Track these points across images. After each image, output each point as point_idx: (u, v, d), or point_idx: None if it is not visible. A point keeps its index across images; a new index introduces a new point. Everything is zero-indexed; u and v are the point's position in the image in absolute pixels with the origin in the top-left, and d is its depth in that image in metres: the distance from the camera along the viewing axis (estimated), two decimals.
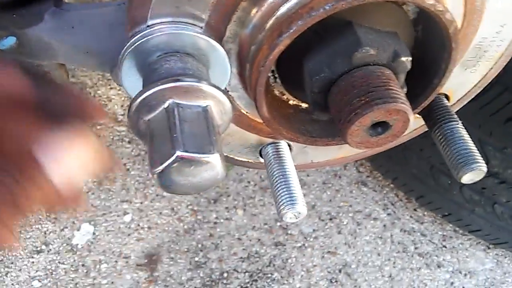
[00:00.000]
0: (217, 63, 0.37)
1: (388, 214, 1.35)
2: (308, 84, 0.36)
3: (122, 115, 1.51)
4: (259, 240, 1.31)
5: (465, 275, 1.27)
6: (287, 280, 1.25)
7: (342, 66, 0.35)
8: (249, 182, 1.40)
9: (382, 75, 0.34)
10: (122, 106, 1.53)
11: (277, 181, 0.47)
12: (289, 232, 1.32)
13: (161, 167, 0.30)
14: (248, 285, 1.25)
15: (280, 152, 0.49)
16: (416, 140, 1.16)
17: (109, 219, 1.32)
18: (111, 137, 1.45)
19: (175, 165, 0.30)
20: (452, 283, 1.25)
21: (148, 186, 1.38)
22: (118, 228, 1.31)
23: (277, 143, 0.50)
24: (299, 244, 1.30)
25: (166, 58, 0.35)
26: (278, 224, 1.34)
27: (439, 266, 1.28)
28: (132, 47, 0.34)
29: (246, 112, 0.43)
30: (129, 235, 1.30)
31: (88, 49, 0.52)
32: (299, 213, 0.46)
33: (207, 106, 0.33)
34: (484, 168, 0.43)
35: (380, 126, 0.35)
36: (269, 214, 1.35)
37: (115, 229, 1.31)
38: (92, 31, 0.50)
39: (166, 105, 0.32)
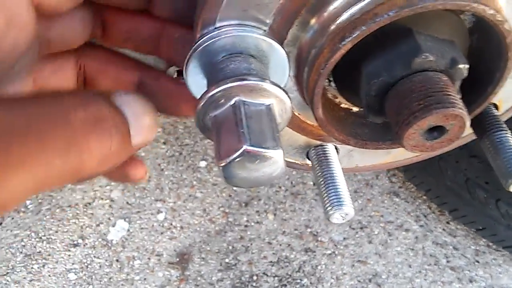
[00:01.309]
0: (277, 65, 0.39)
1: (421, 226, 1.34)
2: (365, 87, 0.38)
3: (158, 116, 1.55)
4: (289, 245, 1.32)
5: None
6: (316, 287, 1.25)
7: (401, 71, 0.36)
8: (280, 187, 1.42)
9: (440, 81, 0.35)
10: None
11: (324, 182, 0.48)
12: (319, 239, 1.33)
13: (227, 160, 0.32)
14: None
15: (327, 154, 0.50)
16: (453, 152, 1.16)
17: (143, 216, 1.35)
18: None
19: (241, 158, 0.32)
20: None
21: (182, 187, 1.41)
22: (152, 226, 1.34)
23: (324, 145, 0.51)
24: (329, 252, 1.31)
25: (232, 58, 0.37)
26: (309, 230, 1.35)
27: (471, 281, 1.26)
28: (200, 47, 0.36)
29: (298, 114, 0.45)
30: (162, 233, 1.33)
31: None
32: (347, 214, 0.47)
33: (270, 104, 0.35)
34: None
35: (436, 131, 0.36)
36: (299, 220, 1.36)
37: (149, 226, 1.34)
38: None
39: (232, 102, 0.34)
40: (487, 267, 1.28)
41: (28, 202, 1.38)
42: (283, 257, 1.30)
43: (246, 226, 1.35)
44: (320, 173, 0.50)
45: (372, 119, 0.40)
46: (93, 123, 0.26)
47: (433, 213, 1.36)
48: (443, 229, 1.34)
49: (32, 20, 0.31)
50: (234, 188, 1.40)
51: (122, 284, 1.26)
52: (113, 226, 1.34)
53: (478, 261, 1.29)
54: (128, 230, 1.33)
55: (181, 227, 1.34)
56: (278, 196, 1.40)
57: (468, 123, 0.35)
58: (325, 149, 0.51)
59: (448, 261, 1.29)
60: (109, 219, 1.35)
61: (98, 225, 1.34)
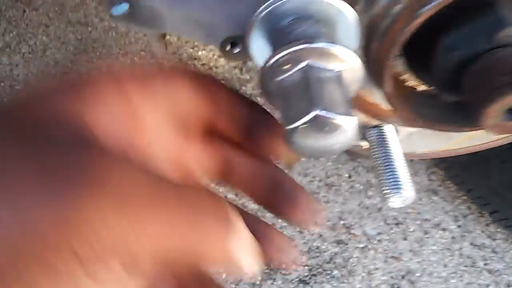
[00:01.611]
0: (347, 32, 0.37)
1: (458, 226, 1.30)
2: (442, 61, 0.36)
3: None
4: (320, 235, 1.30)
5: None
6: (347, 279, 1.23)
7: (483, 45, 0.34)
8: (314, 177, 1.39)
9: None
10: None
11: (383, 163, 0.46)
12: (352, 231, 1.30)
13: (296, 124, 0.30)
14: (307, 278, 1.24)
15: (386, 135, 0.48)
16: (499, 152, 1.12)
17: None
18: None
19: (310, 123, 0.30)
20: None
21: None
22: None
23: (382, 126, 0.49)
24: (362, 245, 1.28)
25: (299, 22, 0.35)
26: (342, 222, 1.32)
27: (509, 285, 1.21)
28: (267, 10, 0.34)
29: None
30: None
31: (198, 19, 0.53)
32: (406, 198, 0.45)
33: (341, 70, 0.33)
34: None
35: None
36: (332, 211, 1.34)
37: None
38: (204, 2, 0.52)
39: (302, 65, 0.32)
40: None
41: None
42: (314, 247, 1.28)
43: None
44: (378, 154, 0.47)
45: (445, 97, 0.38)
46: (222, 217, 0.28)
47: (472, 214, 1.32)
48: (482, 231, 1.29)
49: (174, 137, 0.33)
50: None
51: None
52: None
53: None
54: None
55: None
56: (311, 186, 1.38)
57: None
58: (383, 130, 0.49)
59: (485, 264, 1.24)
60: None
61: None
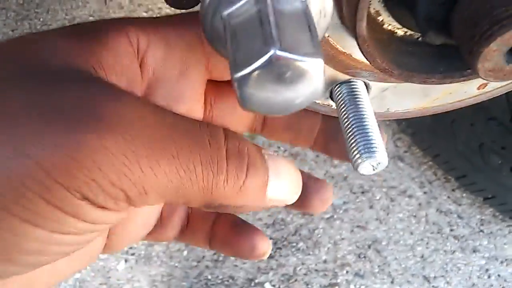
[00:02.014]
0: None
1: (424, 193, 1.27)
2: None
3: None
4: (285, 207, 1.25)
5: (502, 262, 1.19)
6: (312, 251, 1.19)
7: None
8: (279, 147, 1.33)
9: None
10: None
11: (352, 125, 0.39)
12: None
13: (248, 69, 0.22)
14: (272, 252, 1.19)
15: (356, 92, 0.41)
16: (468, 114, 1.08)
17: None
18: None
19: (266, 67, 0.22)
20: (487, 270, 1.18)
21: None
22: None
23: (353, 81, 0.42)
24: (327, 216, 1.23)
25: None
26: None
27: (474, 251, 1.20)
28: None
29: (327, 36, 0.35)
30: None
31: None
32: (379, 163, 0.38)
33: (306, 0, 0.25)
34: None
35: None
36: None
37: None
38: None
39: None
40: (491, 237, 1.22)
41: None
42: (279, 220, 1.23)
43: None
44: (346, 114, 0.40)
45: (430, 38, 0.31)
46: (233, 153, 0.27)
47: (438, 180, 1.29)
48: (448, 197, 1.27)
49: (202, 80, 0.35)
50: None
51: None
52: None
53: (482, 231, 1.23)
54: None
55: None
56: None
57: None
58: (353, 86, 0.42)
59: (451, 230, 1.23)
60: None
61: None
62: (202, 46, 0.33)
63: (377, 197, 1.26)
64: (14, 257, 0.25)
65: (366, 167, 0.39)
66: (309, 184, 0.40)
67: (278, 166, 0.30)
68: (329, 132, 0.42)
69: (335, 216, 1.23)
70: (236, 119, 0.39)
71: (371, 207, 1.25)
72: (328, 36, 0.37)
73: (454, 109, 0.51)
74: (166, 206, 0.38)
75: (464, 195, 1.27)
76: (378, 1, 0.34)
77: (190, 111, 0.35)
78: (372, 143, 0.39)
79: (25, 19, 1.51)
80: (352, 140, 0.39)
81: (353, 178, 1.28)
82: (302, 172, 0.34)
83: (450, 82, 0.37)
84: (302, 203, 0.39)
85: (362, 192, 1.27)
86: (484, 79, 0.28)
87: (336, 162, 1.30)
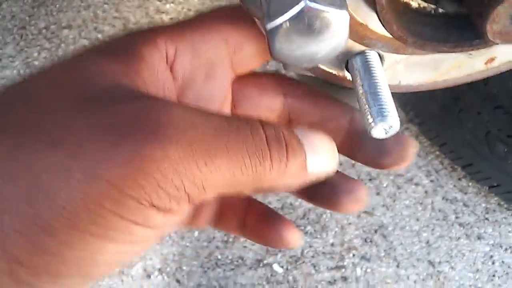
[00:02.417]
0: None
1: (431, 181, 1.30)
2: None
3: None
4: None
5: (506, 249, 1.22)
6: (320, 235, 1.22)
7: None
8: None
9: None
10: None
11: (366, 91, 0.42)
12: None
13: (280, 20, 0.25)
14: None
15: (371, 62, 0.44)
16: (476, 103, 1.10)
17: None
18: None
19: (297, 18, 0.25)
20: (491, 256, 1.21)
21: None
22: None
23: (367, 52, 0.45)
24: None
25: None
26: None
27: (479, 238, 1.23)
28: None
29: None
30: None
31: None
32: (391, 127, 0.41)
33: None
34: None
35: None
36: None
37: None
38: None
39: None
40: (496, 225, 1.24)
41: None
42: (287, 204, 1.26)
43: None
44: (361, 83, 0.43)
45: (443, 5, 0.34)
46: (272, 140, 0.29)
47: (445, 169, 1.32)
48: (454, 185, 1.30)
49: (228, 78, 0.37)
50: None
51: None
52: None
53: (487, 219, 1.25)
54: None
55: None
56: None
57: None
58: (368, 57, 0.45)
59: (457, 217, 1.25)
60: None
61: None
62: (226, 45, 0.35)
63: (384, 185, 1.29)
64: (89, 270, 0.27)
65: (378, 130, 0.42)
66: (341, 183, 0.41)
67: (313, 141, 0.32)
68: (355, 135, 0.43)
69: None
70: (261, 114, 0.41)
71: (378, 193, 1.27)
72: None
73: (453, 87, 0.53)
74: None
75: (470, 184, 1.30)
76: None
77: (220, 110, 0.38)
78: (384, 108, 0.42)
79: (41, 5, 1.54)
80: (366, 106, 0.42)
81: (360, 165, 1.31)
82: (336, 172, 0.36)
83: (461, 51, 0.39)
84: (333, 203, 0.40)
85: (370, 179, 1.29)
86: (492, 41, 0.31)
87: None
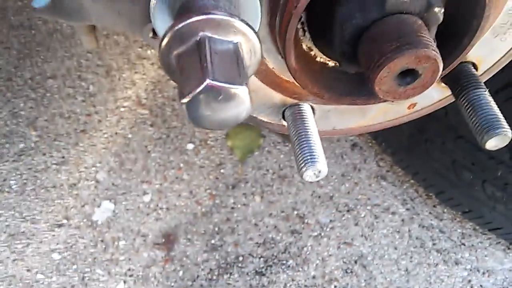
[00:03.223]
0: (249, 8, 0.38)
1: (407, 209, 1.34)
2: (338, 32, 0.37)
3: (146, 98, 1.53)
4: (275, 227, 1.31)
5: (483, 273, 1.25)
6: (302, 268, 1.25)
7: (375, 13, 0.35)
8: (267, 170, 1.41)
9: (415, 23, 0.35)
10: (145, 90, 1.55)
11: (299, 140, 0.47)
12: (305, 221, 1.32)
13: (190, 95, 0.31)
14: (263, 270, 1.25)
15: (303, 114, 0.50)
16: (439, 133, 1.16)
17: (129, 198, 1.34)
18: (134, 119, 1.48)
19: (203, 94, 0.30)
20: (469, 281, 1.24)
21: (168, 169, 1.40)
22: (138, 207, 1.33)
23: (300, 105, 0.51)
24: (315, 233, 1.30)
25: None
26: (295, 212, 1.34)
27: (456, 263, 1.26)
28: None
29: (272, 68, 0.44)
30: (147, 214, 1.32)
31: (119, 9, 0.53)
32: (319, 172, 0.46)
33: (237, 42, 0.34)
34: (509, 133, 0.43)
35: (409, 76, 0.36)
36: (286, 202, 1.35)
37: (135, 208, 1.32)
38: None
39: (197, 37, 0.33)
40: (472, 249, 1.28)
41: (12, 182, 1.36)
42: (269, 239, 1.29)
43: (232, 208, 1.34)
44: (294, 132, 0.49)
45: (346, 68, 0.39)
46: None
47: (420, 197, 1.36)
48: (430, 212, 1.33)
49: None
50: (221, 170, 1.40)
51: (106, 264, 1.24)
52: (98, 207, 1.32)
53: (464, 244, 1.28)
54: (114, 211, 1.32)
55: (167, 209, 1.33)
56: (265, 179, 1.39)
57: (441, 66, 0.34)
58: (300, 108, 0.50)
59: (434, 244, 1.29)
60: (94, 200, 1.33)
61: (83, 206, 1.32)
62: None
63: (362, 215, 1.33)
64: None
65: (309, 174, 0.47)
66: None
67: None
68: None
69: (322, 234, 1.30)
70: None
71: (356, 224, 1.31)
72: (273, 68, 0.46)
73: (417, 119, 0.58)
74: None
75: (445, 210, 1.33)
76: (309, 39, 0.43)
77: None
78: (314, 154, 0.47)
79: (27, 57, 1.61)
80: (299, 153, 0.47)
81: (338, 197, 1.35)
82: None
83: (374, 103, 0.45)
84: None
85: (348, 211, 1.33)
86: (384, 99, 0.36)
87: (322, 182, 1.37)
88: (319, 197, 1.35)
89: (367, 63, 0.35)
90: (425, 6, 0.35)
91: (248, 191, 1.37)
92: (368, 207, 1.34)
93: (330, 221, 1.32)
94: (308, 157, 0.47)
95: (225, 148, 1.43)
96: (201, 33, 0.33)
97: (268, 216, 1.33)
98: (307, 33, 0.43)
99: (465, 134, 1.09)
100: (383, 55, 0.34)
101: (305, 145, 0.47)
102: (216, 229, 1.31)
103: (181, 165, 1.41)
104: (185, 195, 1.36)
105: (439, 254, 1.27)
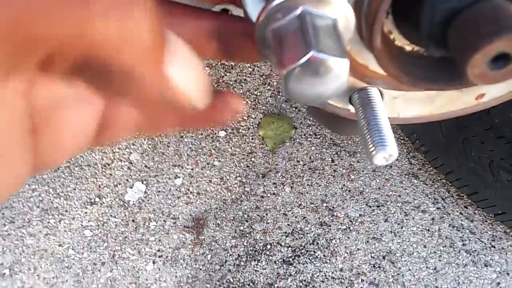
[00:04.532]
0: None
1: (438, 208, 1.33)
2: (429, 14, 0.37)
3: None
4: (304, 218, 1.32)
5: None
6: (329, 260, 1.25)
7: None
8: (298, 161, 1.41)
9: (509, 8, 0.35)
10: None
11: (368, 123, 0.47)
12: (335, 214, 1.32)
13: (293, 65, 0.31)
14: (291, 259, 1.26)
15: (372, 97, 0.50)
16: (478, 133, 1.15)
17: (161, 180, 1.35)
18: None
19: (306, 65, 0.31)
20: (498, 283, 1.23)
21: (200, 154, 1.41)
22: (169, 190, 1.34)
23: (369, 88, 0.51)
24: (344, 227, 1.30)
25: None
26: (325, 205, 1.34)
27: (486, 265, 1.25)
28: None
29: (348, 49, 0.44)
30: (178, 197, 1.33)
31: None
32: (390, 155, 0.46)
33: (336, 18, 0.34)
34: None
35: (501, 61, 0.35)
36: (316, 194, 1.36)
37: (166, 190, 1.34)
38: None
39: (298, 12, 0.33)
40: (503, 252, 1.27)
41: None
42: (297, 229, 1.30)
43: (262, 196, 1.35)
44: (363, 115, 0.49)
45: (432, 51, 0.40)
46: None
47: (451, 197, 1.35)
48: (461, 213, 1.33)
49: None
50: (252, 159, 1.40)
51: (137, 244, 1.26)
52: (131, 187, 1.34)
53: (494, 246, 1.28)
54: (145, 192, 1.34)
55: (198, 193, 1.35)
56: (295, 170, 1.40)
57: None
58: (369, 92, 0.50)
59: (463, 244, 1.28)
60: (127, 180, 1.35)
61: (116, 186, 1.34)
62: None
63: (392, 211, 1.33)
64: None
65: (379, 158, 0.47)
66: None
67: (180, 46, 0.25)
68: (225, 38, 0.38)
69: (351, 228, 1.30)
70: None
71: (386, 220, 1.31)
72: (349, 50, 0.46)
73: (457, 117, 0.58)
74: (108, 106, 0.28)
75: (476, 212, 1.33)
76: (391, 22, 0.43)
77: None
78: (384, 138, 0.47)
79: None
80: (368, 136, 0.48)
81: (368, 192, 1.35)
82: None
83: (451, 89, 0.45)
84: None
85: (378, 206, 1.33)
86: (474, 82, 0.36)
87: (352, 176, 1.37)
88: (349, 191, 1.35)
89: (460, 46, 0.35)
90: None
91: (278, 181, 1.38)
92: (398, 204, 1.34)
93: (360, 215, 1.32)
94: (379, 141, 0.47)
95: (257, 137, 1.43)
96: (301, 7, 0.33)
97: (297, 207, 1.34)
98: (389, 16, 0.43)
99: (506, 134, 1.08)
100: (479, 38, 0.34)
101: (375, 129, 0.47)
102: (246, 216, 1.32)
103: (213, 151, 1.42)
104: (215, 181, 1.37)
105: (468, 255, 1.26)
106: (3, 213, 1.29)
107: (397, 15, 0.42)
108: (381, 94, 0.51)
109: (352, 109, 0.53)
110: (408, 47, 0.46)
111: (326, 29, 0.33)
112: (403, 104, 0.53)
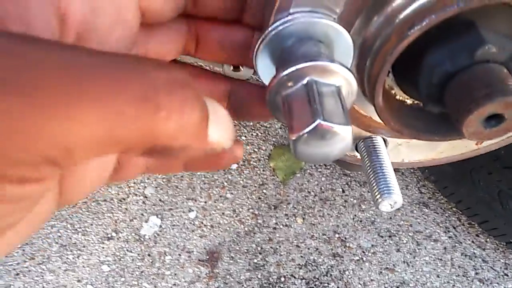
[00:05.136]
0: (343, 51, 0.41)
1: (449, 237, 1.34)
2: (427, 76, 0.40)
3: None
4: (317, 249, 1.33)
5: None
6: None
7: (464, 61, 0.38)
8: (309, 192, 1.44)
9: (501, 72, 0.38)
10: None
11: (373, 171, 0.50)
12: (347, 244, 1.34)
13: (301, 133, 0.34)
14: None
15: (376, 146, 0.53)
16: (485, 163, 1.17)
17: (175, 214, 1.38)
18: None
19: (313, 132, 0.34)
20: None
21: (213, 187, 1.44)
22: (183, 223, 1.37)
23: (374, 137, 0.54)
24: (357, 258, 1.31)
25: (302, 43, 0.40)
26: (337, 235, 1.36)
27: None
28: (274, 31, 0.39)
29: (353, 104, 0.48)
30: (192, 231, 1.36)
31: None
32: (395, 202, 0.49)
33: (340, 85, 0.37)
34: None
35: (494, 119, 0.38)
36: (328, 225, 1.37)
37: (180, 224, 1.37)
38: None
39: (305, 81, 0.36)
40: None
41: None
42: (311, 261, 1.31)
43: (274, 228, 1.37)
44: (369, 163, 0.52)
45: (430, 108, 0.42)
46: (177, 86, 0.22)
47: (463, 225, 1.36)
48: (472, 241, 1.33)
49: (136, 23, 0.30)
50: (264, 190, 1.43)
51: (153, 278, 1.29)
52: (146, 221, 1.37)
53: (507, 275, 1.28)
54: (160, 226, 1.36)
55: (211, 226, 1.37)
56: (307, 201, 1.42)
57: None
58: (374, 141, 0.53)
59: (476, 273, 1.28)
60: (142, 214, 1.38)
61: (131, 220, 1.37)
62: None
63: (404, 241, 1.34)
64: None
65: (385, 205, 0.50)
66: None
67: (213, 104, 0.27)
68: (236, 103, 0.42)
69: (364, 259, 1.31)
70: (168, 44, 0.37)
71: (398, 250, 1.32)
72: (354, 104, 0.49)
73: (462, 160, 0.61)
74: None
75: (488, 240, 1.33)
76: (391, 80, 0.46)
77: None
78: (390, 186, 0.50)
79: None
80: (374, 183, 0.50)
81: (380, 222, 1.37)
82: None
83: (449, 140, 0.48)
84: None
85: (389, 236, 1.34)
86: (469, 139, 0.39)
87: (363, 206, 1.39)
88: (361, 221, 1.37)
89: (455, 106, 0.39)
90: (510, 57, 0.38)
91: (290, 212, 1.40)
92: (410, 234, 1.35)
93: (372, 245, 1.33)
94: (384, 189, 0.49)
95: (268, 169, 1.46)
96: (308, 77, 0.36)
97: (310, 238, 1.35)
98: (390, 74, 0.46)
99: None
100: (473, 100, 0.37)
101: (380, 177, 0.50)
102: (259, 248, 1.33)
103: (225, 184, 1.45)
104: (228, 214, 1.40)
105: (481, 284, 1.27)
106: (23, 250, 1.33)
107: (397, 73, 0.45)
108: (385, 141, 0.55)
109: (358, 155, 0.56)
110: (409, 101, 0.49)
111: (331, 95, 0.37)
112: (406, 150, 0.56)
